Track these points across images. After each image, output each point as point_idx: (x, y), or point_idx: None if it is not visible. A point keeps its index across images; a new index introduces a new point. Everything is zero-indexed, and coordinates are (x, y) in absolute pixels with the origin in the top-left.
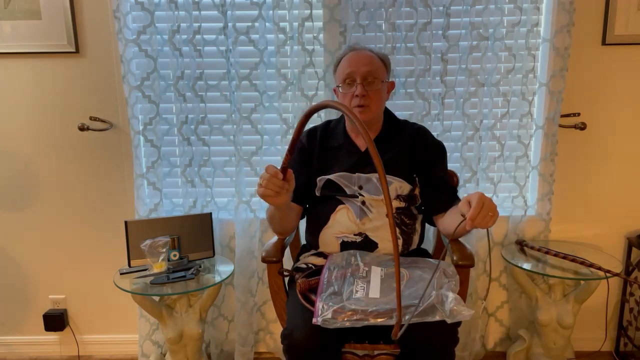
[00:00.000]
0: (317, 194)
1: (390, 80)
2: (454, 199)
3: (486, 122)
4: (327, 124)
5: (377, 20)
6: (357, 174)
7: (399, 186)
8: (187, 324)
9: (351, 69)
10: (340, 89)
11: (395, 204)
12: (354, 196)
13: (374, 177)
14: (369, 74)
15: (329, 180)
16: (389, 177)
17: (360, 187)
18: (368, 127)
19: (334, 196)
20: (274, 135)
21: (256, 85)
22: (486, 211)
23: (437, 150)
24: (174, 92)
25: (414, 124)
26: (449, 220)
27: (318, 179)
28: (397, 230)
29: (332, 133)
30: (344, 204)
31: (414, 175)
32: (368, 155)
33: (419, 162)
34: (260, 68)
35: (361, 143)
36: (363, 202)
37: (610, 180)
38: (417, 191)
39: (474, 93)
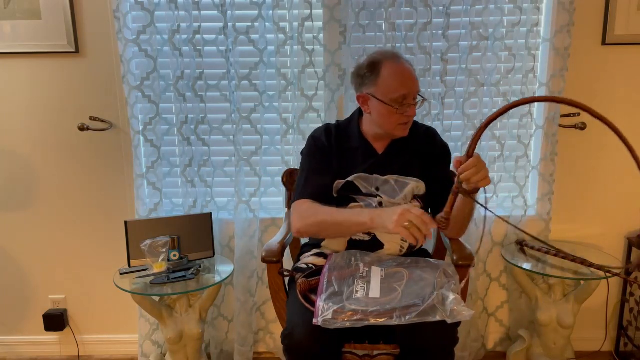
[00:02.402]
0: (334, 195)
1: None
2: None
3: None
4: (338, 124)
5: (377, 20)
6: (374, 175)
7: (415, 187)
8: (187, 324)
9: (407, 90)
10: (388, 105)
11: (415, 202)
12: (372, 195)
13: (391, 179)
14: (417, 93)
15: (347, 182)
16: (406, 179)
17: (377, 189)
18: (407, 133)
19: (349, 195)
20: (273, 135)
21: (256, 85)
22: (480, 166)
23: (444, 151)
24: (174, 92)
25: (422, 125)
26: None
27: (336, 182)
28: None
29: (346, 134)
30: (357, 202)
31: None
32: (385, 157)
33: (428, 163)
34: (260, 68)
35: (379, 146)
36: (380, 204)
37: (610, 180)
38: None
39: (474, 93)
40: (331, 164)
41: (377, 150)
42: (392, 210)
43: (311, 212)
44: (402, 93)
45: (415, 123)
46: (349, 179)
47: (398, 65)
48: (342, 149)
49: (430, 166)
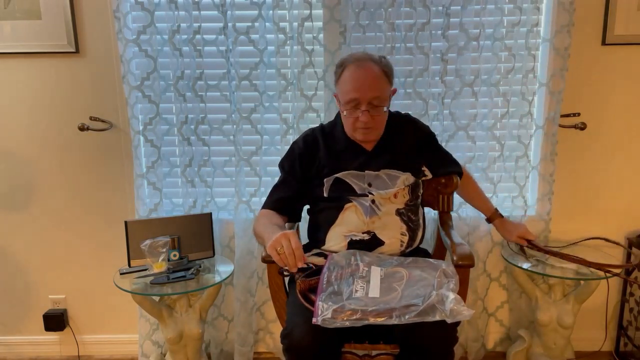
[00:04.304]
0: (325, 194)
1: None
2: (452, 161)
3: (486, 122)
4: (322, 128)
5: (377, 20)
6: (366, 171)
7: (405, 178)
8: (187, 324)
9: (357, 94)
10: (343, 110)
11: (405, 192)
12: (364, 195)
13: (382, 173)
14: (375, 99)
15: (337, 179)
16: (396, 172)
17: (370, 185)
18: (376, 138)
19: (342, 196)
20: (273, 135)
21: (256, 85)
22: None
23: (429, 136)
24: (174, 92)
25: (399, 113)
26: (476, 204)
27: (326, 179)
28: (404, 227)
29: (332, 136)
30: (351, 202)
31: (422, 168)
32: (375, 155)
33: (419, 151)
34: (260, 68)
35: (368, 145)
36: (373, 201)
37: (610, 180)
38: (421, 180)
39: (473, 93)
40: (307, 171)
41: (366, 149)
42: (277, 234)
43: (257, 222)
44: (351, 97)
45: (394, 115)
46: (339, 175)
47: (356, 70)
48: (329, 150)
49: (423, 152)
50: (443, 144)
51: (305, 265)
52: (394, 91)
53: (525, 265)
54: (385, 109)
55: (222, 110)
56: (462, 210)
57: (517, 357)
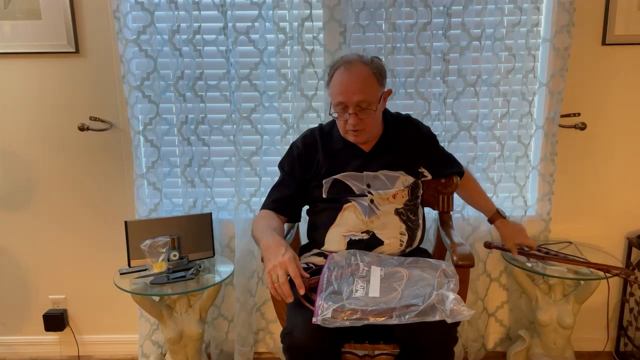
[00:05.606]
0: (324, 195)
1: (387, 88)
2: (453, 162)
3: (486, 122)
4: (321, 128)
5: (377, 20)
6: (364, 172)
7: (404, 179)
8: (187, 324)
9: (343, 97)
10: (334, 112)
11: (404, 193)
12: (363, 195)
13: (381, 174)
14: (362, 102)
15: (335, 181)
16: (395, 173)
17: (369, 185)
18: (368, 140)
19: (341, 196)
20: (273, 135)
21: (256, 85)
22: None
23: (430, 137)
24: (174, 92)
25: (399, 114)
26: (478, 205)
27: (324, 180)
28: (403, 226)
29: (330, 137)
30: (350, 202)
31: (420, 169)
32: (373, 155)
33: (419, 152)
34: (260, 68)
35: (366, 146)
36: (372, 201)
37: (610, 180)
38: (420, 180)
39: (474, 93)
40: (307, 171)
41: (364, 150)
42: (276, 256)
43: (255, 224)
44: (338, 100)
45: (397, 115)
46: (337, 176)
47: (344, 72)
48: (328, 151)
49: (423, 154)
50: (445, 145)
51: (305, 265)
52: (389, 92)
53: (528, 265)
54: (375, 111)
55: (222, 110)
56: (465, 210)
57: (517, 357)
